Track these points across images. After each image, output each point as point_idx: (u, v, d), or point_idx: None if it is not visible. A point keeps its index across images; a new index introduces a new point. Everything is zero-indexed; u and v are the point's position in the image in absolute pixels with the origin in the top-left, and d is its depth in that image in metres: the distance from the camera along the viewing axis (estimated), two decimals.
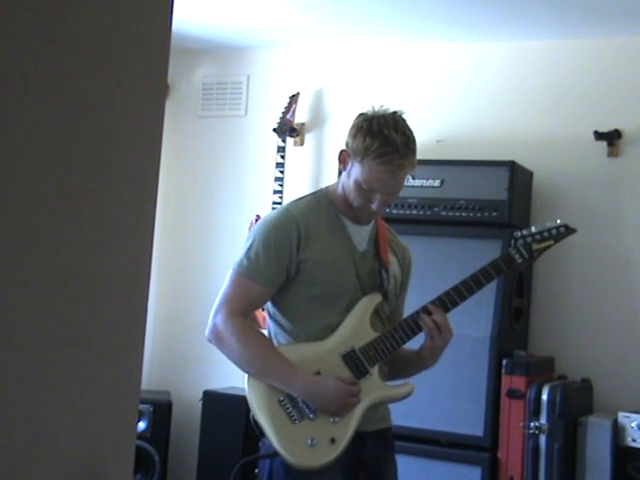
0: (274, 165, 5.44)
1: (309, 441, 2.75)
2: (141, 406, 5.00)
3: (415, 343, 2.95)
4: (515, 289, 4.76)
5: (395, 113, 2.86)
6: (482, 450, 4.43)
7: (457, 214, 4.75)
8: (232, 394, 5.09)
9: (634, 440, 4.29)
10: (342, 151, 2.88)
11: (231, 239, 5.62)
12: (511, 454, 4.39)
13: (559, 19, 4.90)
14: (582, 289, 5.00)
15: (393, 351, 2.87)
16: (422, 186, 4.82)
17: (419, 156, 5.33)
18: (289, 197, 5.42)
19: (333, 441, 2.75)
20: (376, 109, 2.85)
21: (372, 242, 2.94)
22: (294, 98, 5.56)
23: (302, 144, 5.71)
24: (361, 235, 2.92)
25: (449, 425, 4.48)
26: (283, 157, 5.44)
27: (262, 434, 2.79)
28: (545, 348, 4.97)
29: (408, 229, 4.76)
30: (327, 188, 2.99)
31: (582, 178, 5.05)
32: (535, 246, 2.98)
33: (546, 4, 4.69)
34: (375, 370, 2.85)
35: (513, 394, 4.39)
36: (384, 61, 5.57)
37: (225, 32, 5.61)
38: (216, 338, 2.83)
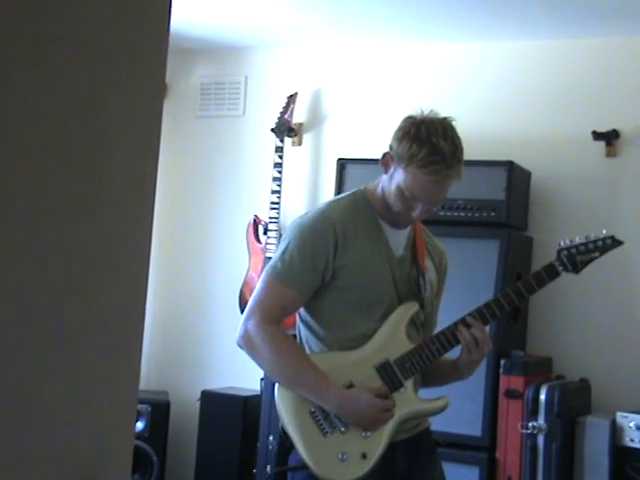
0: (272, 165, 5.44)
1: (340, 455, 2.67)
2: (139, 406, 4.99)
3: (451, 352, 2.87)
4: None
5: (445, 119, 2.74)
6: (480, 450, 4.43)
7: (455, 214, 4.75)
8: (230, 394, 5.09)
9: (632, 440, 4.29)
10: (385, 153, 2.76)
11: (229, 239, 5.62)
12: (509, 454, 4.39)
13: (557, 19, 4.90)
14: (580, 289, 4.99)
15: (429, 364, 2.77)
16: None
17: None
18: (287, 197, 5.43)
19: (364, 456, 2.67)
20: (425, 113, 2.72)
21: (409, 247, 2.85)
22: (292, 98, 5.56)
23: (300, 144, 5.71)
24: (399, 239, 2.83)
25: (447, 425, 4.46)
26: (281, 157, 5.44)
27: (291, 446, 2.70)
28: (543, 348, 4.97)
29: None
30: (366, 188, 2.88)
31: (580, 178, 5.05)
32: (580, 258, 2.87)
33: (544, 4, 4.69)
34: (410, 383, 2.76)
35: (511, 394, 4.40)
36: (382, 61, 5.57)
37: (223, 32, 5.61)
38: (247, 345, 2.73)
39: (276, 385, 2.75)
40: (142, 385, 4.98)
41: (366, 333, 2.75)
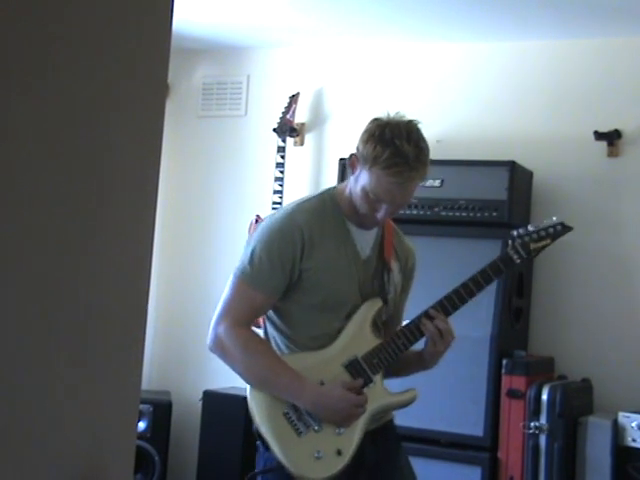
0: (274, 165, 5.43)
1: (315, 454, 2.71)
2: (141, 406, 5.00)
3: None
4: (515, 289, 4.76)
5: (411, 122, 2.76)
6: (482, 450, 4.43)
7: (457, 214, 4.75)
8: (232, 394, 5.08)
9: (634, 440, 4.29)
10: (352, 155, 2.80)
11: (231, 239, 5.62)
12: (511, 454, 4.39)
13: (559, 19, 4.90)
14: (582, 289, 4.99)
15: (396, 358, 2.83)
16: (422, 186, 4.75)
17: None
18: (289, 197, 5.42)
19: (339, 453, 2.72)
20: (391, 115, 2.75)
21: (376, 247, 2.89)
22: (294, 98, 5.56)
23: (302, 144, 5.70)
24: (366, 240, 2.87)
25: (449, 425, 4.48)
26: (283, 157, 5.44)
27: (266, 447, 2.74)
28: (545, 348, 4.97)
29: (408, 229, 4.73)
30: (334, 189, 2.92)
31: (582, 178, 5.05)
32: (533, 245, 2.94)
33: (546, 4, 4.68)
34: (378, 378, 2.82)
35: (513, 394, 4.39)
36: (384, 61, 5.57)
37: (225, 32, 5.60)
38: (219, 349, 2.77)
39: (248, 388, 2.79)
40: (144, 385, 4.97)
41: (331, 332, 2.80)
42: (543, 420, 4.33)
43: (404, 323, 2.92)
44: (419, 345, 2.91)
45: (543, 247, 2.97)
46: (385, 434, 2.92)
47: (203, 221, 5.89)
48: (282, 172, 5.41)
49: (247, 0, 4.97)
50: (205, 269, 5.76)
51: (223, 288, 2.85)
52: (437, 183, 4.80)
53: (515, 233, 2.94)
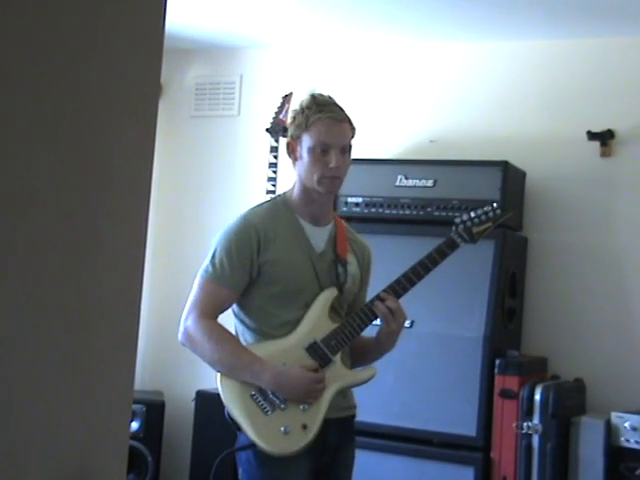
0: (267, 165, 5.43)
1: (282, 429, 2.90)
2: (134, 406, 4.99)
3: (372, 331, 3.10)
4: (508, 289, 4.76)
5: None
6: (475, 450, 4.43)
7: (450, 214, 4.74)
8: None
9: (627, 440, 4.29)
10: (288, 143, 3.08)
11: None
12: (504, 454, 4.39)
13: (552, 19, 4.91)
14: (575, 289, 5.00)
15: (352, 339, 3.03)
16: (415, 186, 4.83)
17: (412, 156, 5.33)
18: None
19: (305, 427, 2.91)
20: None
21: (331, 242, 3.08)
22: (287, 98, 5.55)
23: None
24: (319, 236, 3.07)
25: (442, 425, 4.48)
26: (276, 157, 5.43)
27: (238, 429, 2.93)
28: (538, 348, 4.98)
29: (401, 229, 4.77)
30: (284, 193, 3.13)
31: (575, 178, 5.06)
32: (475, 229, 3.16)
33: (539, 4, 4.69)
34: (338, 358, 3.01)
35: (506, 394, 4.40)
36: (377, 61, 5.57)
37: (218, 32, 5.60)
38: (189, 341, 2.99)
39: (217, 376, 2.98)
40: (137, 385, 4.96)
41: (292, 320, 3.00)
42: (536, 420, 4.34)
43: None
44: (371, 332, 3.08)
45: (485, 230, 3.19)
46: (347, 426, 3.11)
47: (195, 221, 5.89)
48: (275, 172, 5.41)
49: (240, 0, 4.97)
50: (197, 268, 5.75)
51: None
52: (430, 183, 4.80)
53: (458, 220, 3.15)
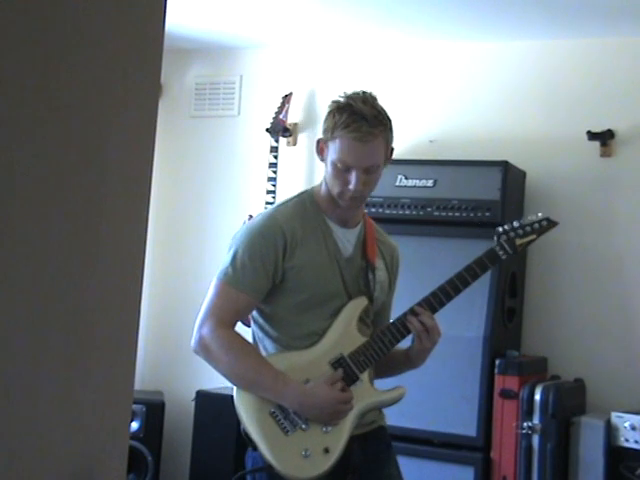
0: (267, 165, 5.43)
1: (303, 452, 2.69)
2: (134, 406, 4.99)
3: (403, 342, 2.92)
4: (508, 289, 4.76)
5: (365, 92, 2.85)
6: (475, 450, 4.43)
7: (450, 214, 4.75)
8: (225, 394, 5.06)
9: (627, 440, 4.29)
10: (318, 140, 2.84)
11: (224, 239, 5.58)
12: (504, 454, 4.39)
13: (552, 19, 4.91)
14: (575, 289, 5.00)
15: (382, 356, 2.81)
16: (415, 186, 4.83)
17: (412, 156, 5.32)
18: (282, 197, 5.41)
19: (327, 451, 2.70)
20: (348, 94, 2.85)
21: (359, 246, 2.88)
22: (287, 98, 5.56)
23: (295, 144, 5.70)
24: (348, 239, 2.86)
25: (442, 425, 4.48)
26: (276, 157, 5.44)
27: (254, 448, 2.74)
28: (538, 348, 4.98)
29: (401, 229, 4.76)
30: (312, 189, 2.91)
31: (575, 178, 5.06)
32: (518, 241, 2.95)
33: (538, 4, 4.69)
34: (365, 376, 2.80)
35: (506, 394, 4.40)
36: (376, 61, 5.57)
37: (218, 32, 5.60)
38: (204, 350, 2.76)
39: (234, 389, 2.78)
40: (137, 385, 4.96)
41: (317, 331, 2.78)
42: (536, 420, 4.34)
43: (391, 321, 2.91)
44: (406, 343, 2.90)
45: (529, 242, 2.98)
46: (375, 440, 2.89)
47: (196, 221, 5.89)
48: (275, 172, 5.41)
49: (240, 0, 4.97)
50: (198, 269, 5.75)
51: None
52: (430, 183, 4.80)
53: (500, 229, 2.95)
